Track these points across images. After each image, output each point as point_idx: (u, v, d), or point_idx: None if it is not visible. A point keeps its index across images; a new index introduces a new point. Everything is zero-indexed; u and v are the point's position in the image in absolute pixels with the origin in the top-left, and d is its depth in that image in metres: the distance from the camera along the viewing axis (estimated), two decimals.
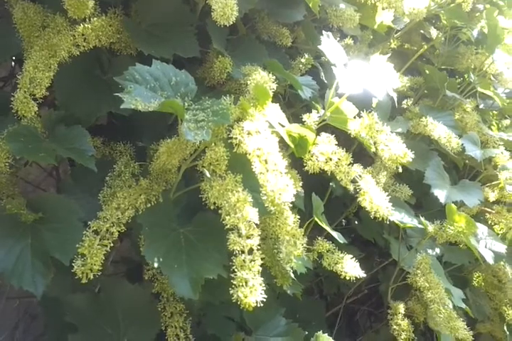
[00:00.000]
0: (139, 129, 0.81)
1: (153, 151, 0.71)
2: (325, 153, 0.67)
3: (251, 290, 0.50)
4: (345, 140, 0.82)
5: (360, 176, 0.65)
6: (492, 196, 1.13)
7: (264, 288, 0.51)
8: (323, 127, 0.76)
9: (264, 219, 0.67)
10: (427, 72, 1.26)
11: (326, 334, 0.81)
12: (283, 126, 0.66)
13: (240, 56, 0.81)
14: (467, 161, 1.26)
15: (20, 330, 1.28)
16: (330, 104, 0.73)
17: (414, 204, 1.16)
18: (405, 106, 1.28)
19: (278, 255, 0.65)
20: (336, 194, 1.11)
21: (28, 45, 0.71)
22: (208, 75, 0.82)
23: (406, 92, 1.27)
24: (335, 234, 0.81)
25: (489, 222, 1.16)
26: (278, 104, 0.92)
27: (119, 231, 0.61)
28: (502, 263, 1.16)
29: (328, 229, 0.79)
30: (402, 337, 0.99)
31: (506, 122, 1.57)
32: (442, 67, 1.34)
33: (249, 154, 0.57)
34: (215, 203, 0.60)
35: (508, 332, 1.33)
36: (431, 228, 0.99)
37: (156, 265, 0.61)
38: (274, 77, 0.73)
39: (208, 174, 0.63)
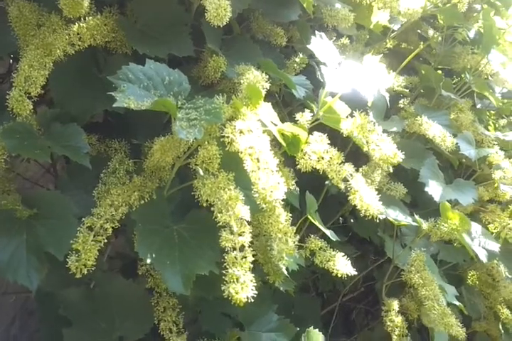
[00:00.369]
0: (133, 127, 0.82)
1: (148, 149, 0.71)
2: (317, 152, 0.68)
3: (242, 287, 0.51)
4: (342, 139, 0.83)
5: (351, 175, 0.66)
6: (486, 195, 1.14)
7: (256, 284, 0.52)
8: (320, 126, 0.77)
9: (256, 216, 0.68)
10: (423, 71, 1.26)
11: (321, 332, 0.83)
12: (275, 125, 0.67)
13: (234, 55, 0.81)
14: (463, 160, 1.27)
15: (16, 326, 1.29)
16: (323, 104, 0.74)
17: (410, 203, 1.17)
18: (402, 106, 1.28)
19: (270, 252, 0.66)
20: (331, 192, 1.12)
21: (24, 44, 0.72)
22: (202, 74, 0.83)
23: (402, 92, 1.28)
24: (328, 232, 0.82)
25: (483, 220, 1.16)
26: (273, 103, 0.93)
27: (113, 228, 0.62)
28: (496, 261, 1.17)
29: (321, 227, 0.80)
30: (396, 333, 1.00)
31: (503, 122, 1.58)
32: (439, 66, 1.35)
33: (241, 152, 0.58)
34: (207, 200, 0.61)
35: (503, 331, 1.35)
36: (425, 225, 1.00)
37: (148, 261, 0.62)
38: (269, 77, 0.74)
39: (201, 172, 0.64)
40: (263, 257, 0.72)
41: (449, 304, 0.99)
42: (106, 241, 0.61)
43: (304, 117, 0.73)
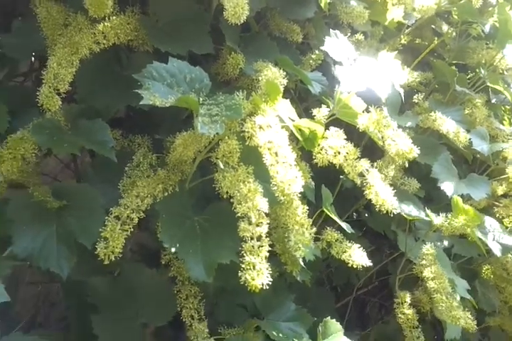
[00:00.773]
0: (156, 122, 0.85)
1: (170, 143, 0.74)
2: (334, 147, 0.70)
3: (258, 274, 0.54)
4: (357, 134, 0.85)
5: (367, 170, 0.68)
6: (500, 190, 1.15)
7: (271, 273, 0.55)
8: (336, 122, 0.79)
9: (274, 209, 0.70)
10: (437, 67, 1.27)
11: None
12: (293, 121, 0.70)
13: (252, 52, 0.84)
14: (478, 155, 1.27)
15: (41, 316, 1.34)
16: (339, 99, 0.76)
17: (425, 197, 1.18)
18: (416, 101, 1.29)
19: (288, 243, 0.68)
20: (346, 186, 1.14)
21: (52, 43, 0.75)
22: (221, 71, 0.85)
23: (416, 87, 1.29)
24: (344, 225, 0.84)
25: (497, 215, 1.17)
26: (290, 99, 0.95)
27: (138, 218, 0.65)
28: (510, 255, 1.18)
29: (336, 219, 0.82)
30: (407, 325, 1.01)
31: None
32: (453, 61, 1.35)
33: (261, 147, 0.60)
34: (227, 193, 0.63)
35: None
36: (437, 221, 1.01)
37: (173, 250, 0.65)
38: (285, 73, 0.76)
39: (221, 165, 0.66)
40: (280, 248, 0.74)
41: (461, 298, 1.00)
42: (132, 230, 0.64)
43: (321, 113, 0.75)
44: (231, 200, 0.63)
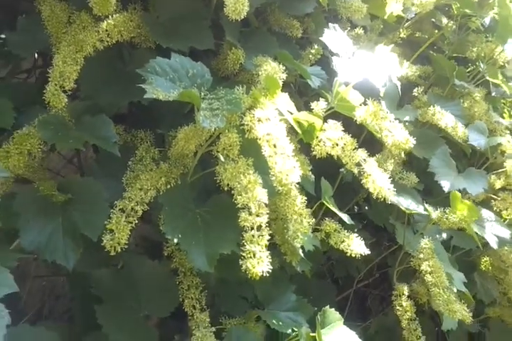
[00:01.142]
0: (157, 117, 0.86)
1: (172, 138, 0.76)
2: (332, 139, 0.72)
3: (258, 262, 0.55)
4: (357, 127, 0.86)
5: (364, 160, 0.70)
6: (498, 183, 1.16)
7: (270, 260, 0.57)
8: (335, 115, 0.80)
9: (274, 201, 0.72)
10: (437, 60, 1.28)
11: None
12: (292, 114, 0.71)
13: (252, 48, 0.85)
14: (478, 148, 1.28)
15: (46, 309, 1.36)
16: (337, 93, 0.77)
17: (424, 190, 1.20)
18: (416, 95, 1.30)
19: (287, 233, 0.70)
20: (346, 179, 1.15)
21: (56, 41, 0.76)
22: (222, 66, 0.87)
23: (416, 81, 1.30)
24: (343, 216, 0.85)
25: (495, 208, 1.18)
26: (290, 93, 0.97)
27: (142, 210, 0.67)
28: (507, 248, 1.19)
29: (336, 211, 0.84)
30: (405, 317, 1.03)
31: None
32: (453, 55, 1.36)
33: (260, 139, 0.62)
34: (228, 184, 0.65)
35: None
36: (434, 215, 1.03)
37: (175, 241, 0.67)
38: (285, 68, 0.78)
39: (222, 158, 0.68)
40: (280, 238, 0.76)
41: (459, 291, 1.02)
42: (136, 222, 0.66)
43: (319, 106, 0.76)
44: (232, 193, 0.65)
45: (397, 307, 1.04)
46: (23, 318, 0.96)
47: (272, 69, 0.71)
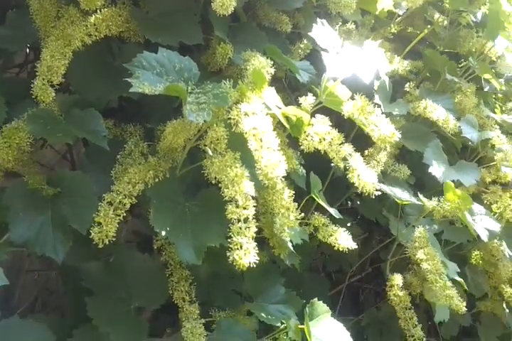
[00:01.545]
0: (147, 112, 0.87)
1: (161, 132, 0.76)
2: (319, 133, 0.72)
3: (245, 253, 0.56)
4: (349, 122, 0.87)
5: (350, 155, 0.71)
6: (488, 177, 1.17)
7: (257, 252, 0.58)
8: (327, 110, 0.81)
9: (263, 195, 0.73)
10: (428, 55, 1.28)
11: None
12: (280, 108, 0.72)
13: (241, 42, 0.85)
14: (470, 143, 1.29)
15: (39, 303, 1.37)
16: (325, 88, 0.78)
17: (417, 185, 1.21)
18: (408, 90, 1.31)
19: (275, 227, 0.71)
20: (337, 174, 1.16)
21: (45, 35, 0.77)
22: (211, 61, 0.87)
23: (407, 76, 1.30)
24: (331, 210, 0.86)
25: (485, 201, 1.20)
26: (281, 88, 0.97)
27: (130, 204, 0.68)
28: (497, 241, 1.20)
29: (324, 205, 0.85)
30: (401, 306, 1.05)
31: (511, 105, 1.59)
32: (445, 50, 1.36)
33: (246, 133, 0.62)
34: (215, 178, 0.66)
35: (507, 310, 1.38)
36: (429, 204, 1.04)
37: (163, 234, 0.67)
38: (275, 63, 0.78)
39: (209, 152, 0.69)
40: (269, 232, 0.77)
41: (451, 281, 1.03)
42: (125, 214, 0.67)
43: (307, 101, 0.77)
44: (220, 186, 0.65)
45: (392, 298, 1.06)
46: (16, 312, 0.97)
47: (259, 63, 0.72)
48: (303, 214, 0.78)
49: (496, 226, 1.12)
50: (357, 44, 1.09)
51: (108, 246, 0.68)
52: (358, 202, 1.35)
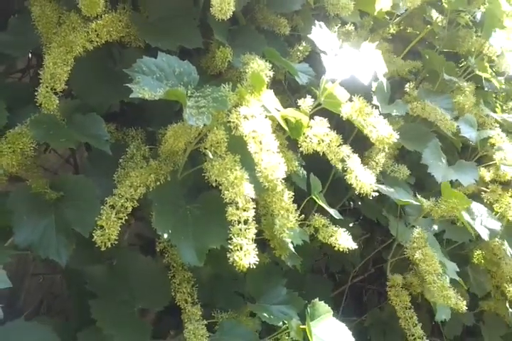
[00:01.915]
0: (148, 116, 0.88)
1: (162, 135, 0.77)
2: (318, 135, 0.73)
3: (245, 254, 0.57)
4: (349, 124, 0.87)
5: (348, 156, 0.71)
6: (488, 176, 1.18)
7: (257, 253, 0.58)
8: (327, 112, 0.82)
9: (263, 197, 0.73)
10: (427, 56, 1.29)
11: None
12: (279, 111, 0.72)
13: (240, 46, 0.86)
14: (470, 142, 1.30)
15: (44, 307, 1.38)
16: (324, 90, 0.79)
17: (418, 185, 1.21)
18: (408, 90, 1.31)
19: (275, 228, 0.72)
20: (338, 175, 1.17)
21: (47, 41, 0.77)
22: (211, 64, 0.88)
23: (406, 76, 1.31)
24: (331, 211, 0.87)
25: (485, 200, 1.20)
26: (281, 90, 0.97)
27: (132, 207, 0.69)
28: (499, 240, 1.21)
29: (324, 206, 0.85)
30: (401, 305, 1.05)
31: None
32: (445, 50, 1.37)
33: (246, 136, 0.63)
34: (216, 180, 0.66)
35: (510, 309, 1.38)
36: (426, 204, 1.05)
37: (165, 236, 0.68)
38: (275, 65, 0.79)
39: (210, 155, 0.70)
40: (270, 234, 0.78)
41: (452, 281, 1.03)
42: (127, 218, 0.67)
43: (306, 103, 0.77)
44: (221, 189, 0.66)
45: (393, 298, 1.06)
46: (21, 316, 0.98)
47: (258, 66, 0.72)
48: (303, 216, 0.79)
49: (497, 225, 1.12)
50: (356, 45, 1.10)
51: (111, 249, 0.69)
52: (360, 203, 1.36)
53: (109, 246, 0.66)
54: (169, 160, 0.77)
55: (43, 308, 1.37)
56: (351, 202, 1.40)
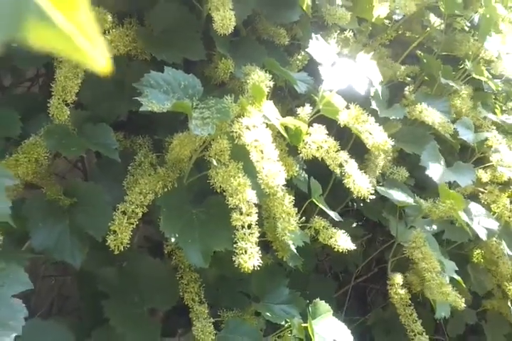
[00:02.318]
0: (155, 124, 0.92)
1: (168, 144, 0.81)
2: (316, 142, 0.77)
3: (249, 257, 0.61)
4: (349, 130, 0.90)
5: (346, 161, 0.75)
6: (485, 177, 1.20)
7: (261, 255, 0.62)
8: (327, 119, 0.85)
9: (266, 202, 0.77)
10: (425, 59, 1.32)
11: (336, 311, 0.91)
12: (278, 119, 0.76)
13: (242, 57, 0.90)
14: (471, 144, 1.32)
15: (55, 308, 1.42)
16: (322, 98, 0.82)
17: (419, 187, 1.25)
18: (407, 94, 1.34)
19: (276, 230, 0.75)
20: (339, 179, 1.20)
21: (57, 55, 0.81)
22: (214, 74, 0.92)
23: (404, 80, 1.34)
24: (331, 213, 0.90)
25: (482, 201, 1.23)
26: (282, 97, 1.01)
27: (142, 212, 0.73)
28: (497, 240, 1.23)
29: (324, 208, 0.89)
30: (401, 303, 1.09)
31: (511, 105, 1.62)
32: (443, 53, 1.40)
33: (248, 145, 0.67)
34: (220, 187, 0.70)
35: None
36: (424, 205, 1.08)
37: (173, 239, 0.72)
38: (274, 73, 0.82)
39: (214, 162, 0.73)
40: (272, 236, 0.81)
41: (452, 281, 1.07)
42: (137, 222, 0.71)
43: (304, 111, 0.81)
44: (224, 194, 0.70)
45: (393, 296, 1.09)
46: (34, 317, 1.02)
47: (258, 77, 0.76)
48: (304, 219, 0.82)
49: (495, 225, 1.15)
50: (355, 51, 1.14)
51: (122, 251, 0.73)
52: (361, 204, 1.39)
53: (122, 249, 0.70)
54: (176, 167, 0.81)
55: (54, 309, 1.41)
56: (354, 203, 1.43)
